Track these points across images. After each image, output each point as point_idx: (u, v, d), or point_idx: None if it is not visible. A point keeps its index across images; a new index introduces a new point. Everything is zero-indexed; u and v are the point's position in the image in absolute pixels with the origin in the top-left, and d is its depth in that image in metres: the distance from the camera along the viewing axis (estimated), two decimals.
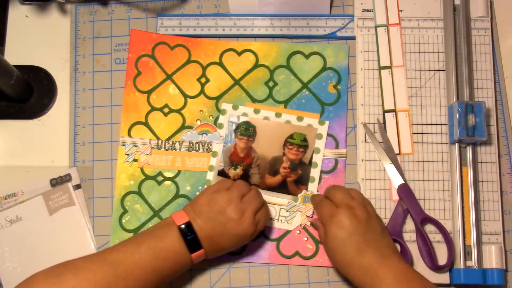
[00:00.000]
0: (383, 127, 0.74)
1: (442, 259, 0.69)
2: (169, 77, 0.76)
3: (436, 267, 0.67)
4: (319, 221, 0.67)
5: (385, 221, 0.70)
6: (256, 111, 0.75)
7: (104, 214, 0.73)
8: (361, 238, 0.62)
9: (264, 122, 0.74)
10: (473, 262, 0.68)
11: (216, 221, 0.62)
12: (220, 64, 0.77)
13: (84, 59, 0.78)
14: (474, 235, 0.69)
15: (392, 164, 0.72)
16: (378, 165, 0.73)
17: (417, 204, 0.70)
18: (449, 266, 0.68)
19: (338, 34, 0.77)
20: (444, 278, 0.68)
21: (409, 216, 0.70)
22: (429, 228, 0.70)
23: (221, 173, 0.73)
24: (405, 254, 0.68)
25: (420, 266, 0.69)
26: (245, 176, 0.73)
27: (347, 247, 0.62)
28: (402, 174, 0.72)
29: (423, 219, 0.69)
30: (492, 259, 0.68)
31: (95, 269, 0.57)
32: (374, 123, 0.74)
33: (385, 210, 0.71)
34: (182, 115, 0.75)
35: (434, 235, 0.70)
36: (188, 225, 0.62)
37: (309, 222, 0.71)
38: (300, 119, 0.74)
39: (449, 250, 0.68)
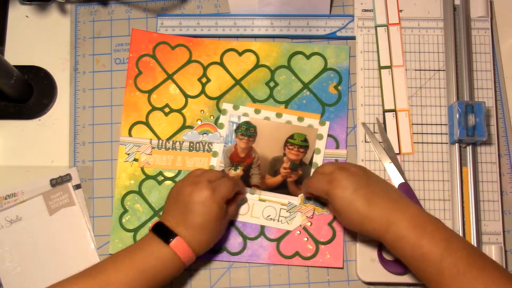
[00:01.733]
0: (382, 127, 0.74)
1: None
2: (170, 76, 0.76)
3: None
4: (318, 196, 0.66)
5: None
6: (257, 111, 0.75)
7: (104, 214, 0.73)
8: (366, 190, 0.61)
9: (264, 122, 0.74)
10: None
11: (180, 204, 0.63)
12: (221, 64, 0.77)
13: (84, 59, 0.78)
14: (474, 235, 0.69)
15: (392, 164, 0.72)
16: (378, 165, 0.73)
17: (417, 203, 0.70)
18: None
19: (338, 34, 0.77)
20: None
21: None
22: None
23: None
24: None
25: None
26: (246, 177, 0.73)
27: (357, 202, 0.60)
28: (402, 173, 0.72)
29: None
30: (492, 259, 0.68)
31: None
32: (374, 123, 0.74)
33: None
34: (182, 115, 0.75)
35: None
36: (158, 223, 0.63)
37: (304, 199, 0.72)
38: (300, 119, 0.74)
39: None
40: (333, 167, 0.64)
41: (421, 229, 0.57)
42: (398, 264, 0.68)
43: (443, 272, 0.55)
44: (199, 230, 0.63)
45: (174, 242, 0.61)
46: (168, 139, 0.75)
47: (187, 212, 0.63)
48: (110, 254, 0.71)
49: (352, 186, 0.61)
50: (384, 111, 0.74)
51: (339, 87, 0.76)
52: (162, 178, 0.74)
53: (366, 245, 0.70)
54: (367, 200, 0.60)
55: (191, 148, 0.74)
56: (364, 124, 0.74)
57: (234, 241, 0.71)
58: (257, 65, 0.76)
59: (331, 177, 0.62)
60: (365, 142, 0.73)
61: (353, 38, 0.77)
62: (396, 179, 0.71)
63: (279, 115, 0.74)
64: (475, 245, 0.69)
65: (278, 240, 0.71)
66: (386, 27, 0.77)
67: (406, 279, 0.68)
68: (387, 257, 0.69)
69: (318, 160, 0.73)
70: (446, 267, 0.55)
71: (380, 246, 0.69)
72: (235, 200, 0.69)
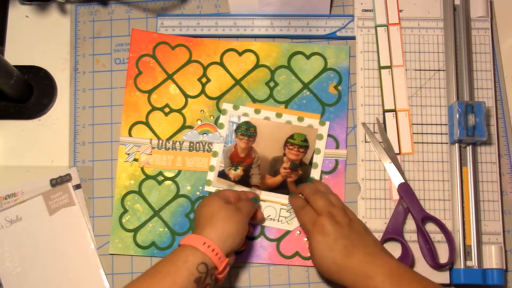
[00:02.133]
0: (382, 127, 0.74)
1: (442, 259, 0.69)
2: (169, 77, 0.76)
3: (438, 265, 0.68)
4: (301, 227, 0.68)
5: (386, 221, 0.70)
6: (257, 111, 0.75)
7: (104, 214, 0.73)
8: (346, 241, 0.62)
9: (264, 122, 0.74)
10: (473, 262, 0.68)
11: (195, 220, 0.65)
12: (221, 64, 0.77)
13: (84, 59, 0.78)
14: (474, 235, 0.69)
15: (392, 163, 0.72)
16: (378, 165, 0.73)
17: (417, 202, 0.70)
18: (451, 265, 0.68)
19: (338, 34, 0.77)
20: (444, 278, 0.68)
21: (409, 216, 0.70)
22: (429, 228, 0.70)
23: (222, 174, 0.73)
24: (406, 254, 0.68)
25: (421, 265, 0.69)
26: (246, 177, 0.73)
27: (335, 252, 0.62)
28: (402, 173, 0.72)
29: (423, 218, 0.69)
30: (492, 259, 0.69)
31: None
32: (374, 123, 0.74)
33: (385, 210, 0.71)
34: (182, 115, 0.75)
35: (434, 235, 0.70)
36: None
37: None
38: (300, 119, 0.74)
39: (450, 248, 0.68)
40: (323, 206, 0.65)
41: (398, 282, 0.59)
42: None
43: None
44: (209, 224, 0.61)
45: (190, 238, 0.60)
46: (168, 139, 0.75)
47: (196, 219, 0.64)
48: (110, 254, 0.72)
49: (334, 234, 0.62)
50: (384, 111, 0.74)
51: (339, 87, 0.76)
52: (162, 178, 0.74)
53: None
54: (345, 251, 0.62)
55: (191, 148, 0.74)
56: (364, 124, 0.74)
57: None
58: (257, 65, 0.76)
59: (317, 221, 0.64)
60: (365, 142, 0.73)
61: (353, 38, 0.77)
62: (396, 179, 0.71)
63: (279, 115, 0.74)
64: (475, 245, 0.69)
65: (278, 240, 0.71)
66: (386, 27, 0.77)
67: None
68: None
69: (318, 160, 0.73)
70: None
71: None
72: (244, 198, 0.68)
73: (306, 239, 0.71)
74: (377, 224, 0.71)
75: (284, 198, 0.72)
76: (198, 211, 0.64)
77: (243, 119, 0.75)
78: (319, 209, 0.65)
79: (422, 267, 0.69)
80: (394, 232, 0.69)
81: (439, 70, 0.75)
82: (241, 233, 0.63)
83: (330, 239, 0.62)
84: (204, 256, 0.59)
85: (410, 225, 0.70)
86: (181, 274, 0.57)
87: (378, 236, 0.69)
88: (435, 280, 0.67)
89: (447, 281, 0.68)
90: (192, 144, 0.74)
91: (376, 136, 0.73)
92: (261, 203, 0.72)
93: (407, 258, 0.68)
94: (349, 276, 0.61)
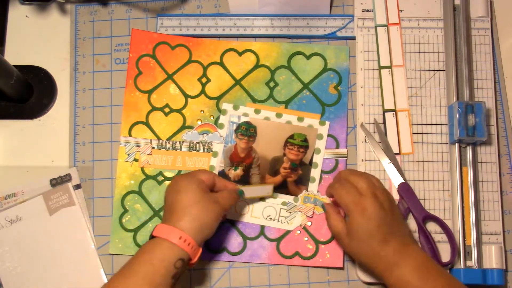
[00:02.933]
0: (380, 127, 0.74)
1: (444, 258, 0.69)
2: (169, 77, 0.76)
3: (440, 265, 0.67)
4: (341, 207, 0.65)
5: None
6: (257, 111, 0.75)
7: (104, 214, 0.73)
8: (387, 228, 0.61)
9: (264, 122, 0.74)
10: (473, 262, 0.68)
11: (166, 206, 0.64)
12: (221, 64, 0.77)
13: (84, 59, 0.78)
14: (474, 235, 0.69)
15: (391, 164, 0.72)
16: (378, 165, 0.73)
17: (418, 202, 0.70)
18: (453, 263, 0.68)
19: (338, 34, 0.77)
20: None
21: (410, 216, 0.70)
22: (429, 228, 0.70)
23: (222, 174, 0.73)
24: None
25: None
26: (246, 177, 0.73)
27: (375, 238, 0.61)
28: (401, 173, 0.72)
29: (424, 217, 0.69)
30: (492, 259, 0.69)
31: None
32: (373, 123, 0.74)
33: None
34: (182, 115, 0.75)
35: (434, 235, 0.70)
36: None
37: (321, 205, 0.71)
38: (300, 119, 0.74)
39: (452, 246, 0.68)
40: (367, 186, 0.62)
41: (425, 275, 0.59)
42: None
43: None
44: (185, 214, 0.60)
45: (162, 228, 0.59)
46: (168, 139, 0.75)
47: (170, 205, 0.62)
48: (110, 254, 0.72)
49: (377, 220, 0.60)
50: (384, 111, 0.74)
51: (339, 88, 0.76)
52: (162, 178, 0.74)
53: None
54: (384, 238, 0.61)
55: (191, 148, 0.74)
56: (362, 125, 0.74)
57: (234, 241, 0.71)
58: (257, 65, 0.76)
59: (360, 202, 0.61)
60: (365, 142, 0.73)
61: (353, 38, 0.77)
62: (395, 179, 0.71)
63: (279, 115, 0.74)
64: (475, 245, 0.69)
65: (278, 240, 0.71)
66: (386, 27, 0.77)
67: None
68: None
69: (318, 160, 0.73)
70: None
71: None
72: (225, 189, 0.67)
73: (326, 229, 0.71)
74: None
75: (284, 198, 0.72)
76: (172, 195, 0.62)
77: (243, 119, 0.75)
78: (362, 189, 0.63)
79: None
80: None
81: (439, 70, 0.75)
82: (215, 225, 0.62)
83: (373, 224, 0.60)
84: (180, 251, 0.58)
85: (410, 225, 0.70)
86: (158, 273, 0.57)
87: None
88: None
89: None
90: (192, 144, 0.74)
91: (375, 136, 0.73)
92: (261, 203, 0.72)
93: None
94: (381, 264, 0.61)
